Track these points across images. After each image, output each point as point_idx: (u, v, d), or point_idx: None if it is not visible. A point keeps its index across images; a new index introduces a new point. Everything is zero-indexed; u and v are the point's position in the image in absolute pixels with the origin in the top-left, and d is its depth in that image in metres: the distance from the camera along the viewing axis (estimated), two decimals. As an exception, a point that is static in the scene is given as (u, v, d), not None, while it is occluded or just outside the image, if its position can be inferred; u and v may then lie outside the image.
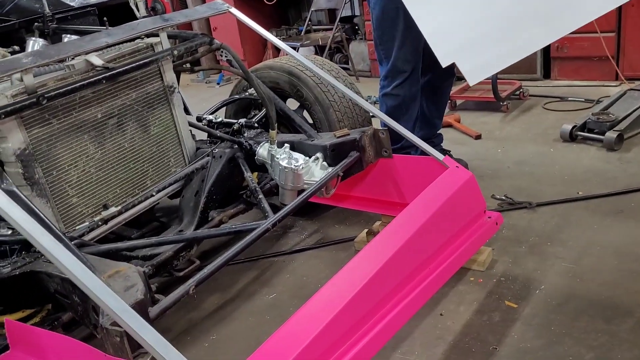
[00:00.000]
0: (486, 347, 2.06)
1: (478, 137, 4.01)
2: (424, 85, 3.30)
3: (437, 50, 1.88)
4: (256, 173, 2.74)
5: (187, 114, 2.71)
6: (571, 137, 3.71)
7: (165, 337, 1.40)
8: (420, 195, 2.12)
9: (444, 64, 1.88)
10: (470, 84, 1.94)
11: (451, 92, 4.79)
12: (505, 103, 4.44)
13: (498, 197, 3.05)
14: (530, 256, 2.56)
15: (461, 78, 4.59)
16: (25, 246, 2.00)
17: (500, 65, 2.03)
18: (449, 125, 4.24)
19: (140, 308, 1.56)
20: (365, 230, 2.80)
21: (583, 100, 4.44)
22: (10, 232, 2.00)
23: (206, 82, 6.97)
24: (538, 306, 2.23)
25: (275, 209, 2.28)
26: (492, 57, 1.97)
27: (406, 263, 1.89)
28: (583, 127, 3.71)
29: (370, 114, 2.85)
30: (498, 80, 4.34)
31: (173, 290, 1.74)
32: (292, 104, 2.85)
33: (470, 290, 2.38)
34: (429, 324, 2.21)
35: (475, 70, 1.91)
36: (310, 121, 2.86)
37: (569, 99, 4.54)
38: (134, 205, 2.33)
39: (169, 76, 2.49)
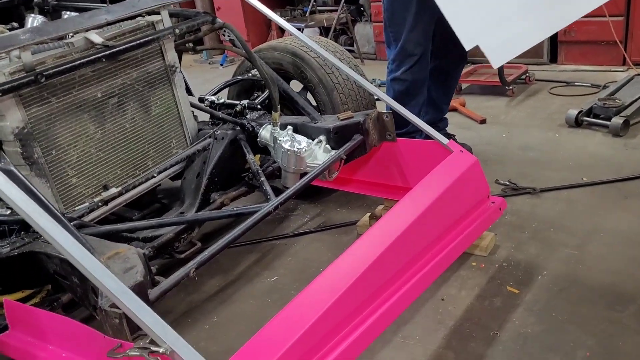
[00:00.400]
0: (487, 332, 2.05)
1: (483, 121, 3.97)
2: (433, 70, 3.24)
3: (460, 33, 1.85)
4: (258, 155, 2.71)
5: (189, 95, 2.68)
6: (577, 123, 3.67)
7: (166, 319, 1.39)
8: (423, 180, 2.09)
9: (468, 47, 1.85)
10: (495, 67, 1.93)
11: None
12: (510, 87, 4.39)
13: (502, 182, 3.03)
14: (533, 242, 2.54)
15: (469, 62, 4.56)
16: (24, 226, 1.98)
17: (523, 46, 1.99)
18: (454, 110, 4.20)
19: (140, 290, 1.55)
20: (368, 214, 2.78)
21: (589, 85, 4.39)
22: (9, 212, 1.98)
23: (209, 63, 6.91)
24: (540, 292, 2.22)
25: (278, 191, 2.26)
26: (515, 39, 1.93)
27: (408, 247, 1.88)
28: (589, 112, 3.67)
29: (375, 97, 2.82)
30: (504, 64, 4.29)
31: (173, 273, 1.72)
32: (295, 86, 2.82)
33: (472, 276, 2.36)
34: (430, 309, 2.20)
35: (499, 52, 1.88)
36: (314, 103, 2.83)
37: (576, 83, 4.49)
38: (134, 187, 2.31)
39: (171, 55, 2.45)
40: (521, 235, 2.60)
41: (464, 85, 4.70)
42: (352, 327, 1.65)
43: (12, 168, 1.81)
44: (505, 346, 1.98)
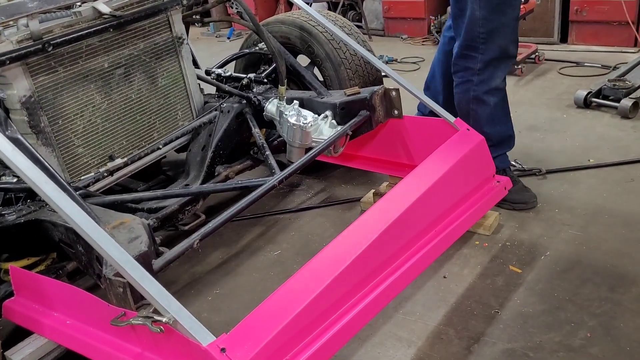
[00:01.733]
0: (488, 311, 2.06)
1: (490, 100, 3.94)
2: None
3: None
4: (264, 129, 2.71)
5: (195, 67, 2.66)
6: (585, 104, 3.64)
7: (169, 289, 1.41)
8: (429, 157, 2.09)
9: None
10: None
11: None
12: (519, 66, 4.34)
13: (508, 162, 3.01)
14: (537, 222, 2.54)
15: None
16: (31, 194, 2.00)
17: None
18: (461, 88, 4.17)
19: (144, 260, 1.57)
20: (372, 190, 2.78)
21: (600, 66, 4.34)
22: (15, 179, 1.99)
23: (216, 37, 6.86)
24: (542, 272, 2.22)
25: (282, 166, 2.27)
26: None
27: (411, 225, 1.88)
28: (598, 93, 3.64)
29: (382, 73, 2.80)
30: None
31: (177, 244, 1.74)
32: (303, 61, 2.80)
33: (475, 254, 2.37)
34: (432, 286, 2.21)
35: None
36: (321, 78, 2.81)
37: (585, 64, 4.43)
38: (140, 158, 2.32)
39: (178, 27, 2.43)
40: (525, 215, 2.59)
41: (472, 64, 4.65)
42: (353, 302, 1.66)
43: (19, 136, 1.81)
44: (505, 324, 1.99)
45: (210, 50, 6.09)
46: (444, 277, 2.26)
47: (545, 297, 2.09)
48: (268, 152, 2.36)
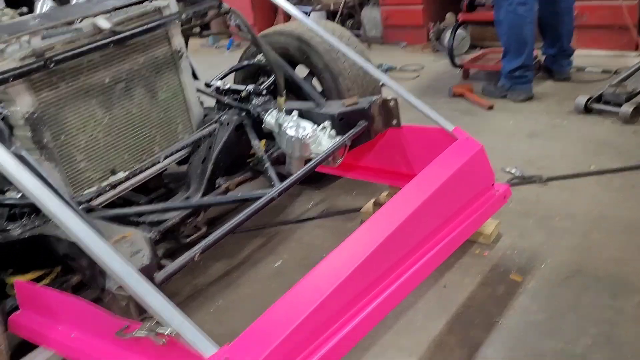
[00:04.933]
0: (489, 320, 2.07)
1: (490, 107, 3.96)
2: None
3: None
4: (264, 141, 2.72)
5: (195, 80, 2.69)
6: (586, 109, 3.64)
7: (172, 302, 1.42)
8: (428, 167, 2.10)
9: None
10: None
11: (464, 62, 4.73)
12: (520, 73, 4.35)
13: (508, 170, 3.03)
14: (537, 230, 2.54)
15: (478, 47, 4.50)
16: (35, 209, 2.01)
17: None
18: (461, 95, 4.19)
19: (146, 273, 1.57)
20: (372, 200, 2.80)
21: (600, 71, 4.35)
22: (20, 195, 2.01)
23: (216, 47, 6.90)
24: (543, 280, 2.23)
25: (282, 177, 2.28)
26: None
27: (411, 234, 1.89)
28: (599, 99, 3.63)
29: (380, 83, 2.81)
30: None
31: (179, 256, 1.75)
32: (301, 71, 2.82)
33: (476, 263, 2.38)
34: (432, 295, 2.22)
35: None
36: (320, 88, 2.83)
37: (586, 69, 4.44)
38: (141, 171, 2.34)
39: (177, 40, 2.45)
40: (526, 223, 2.60)
41: (471, 71, 4.68)
42: (354, 312, 1.67)
43: (23, 152, 1.84)
44: (507, 333, 2.00)
45: (210, 61, 6.11)
46: (445, 286, 2.27)
47: (546, 305, 2.10)
48: (268, 164, 2.37)
